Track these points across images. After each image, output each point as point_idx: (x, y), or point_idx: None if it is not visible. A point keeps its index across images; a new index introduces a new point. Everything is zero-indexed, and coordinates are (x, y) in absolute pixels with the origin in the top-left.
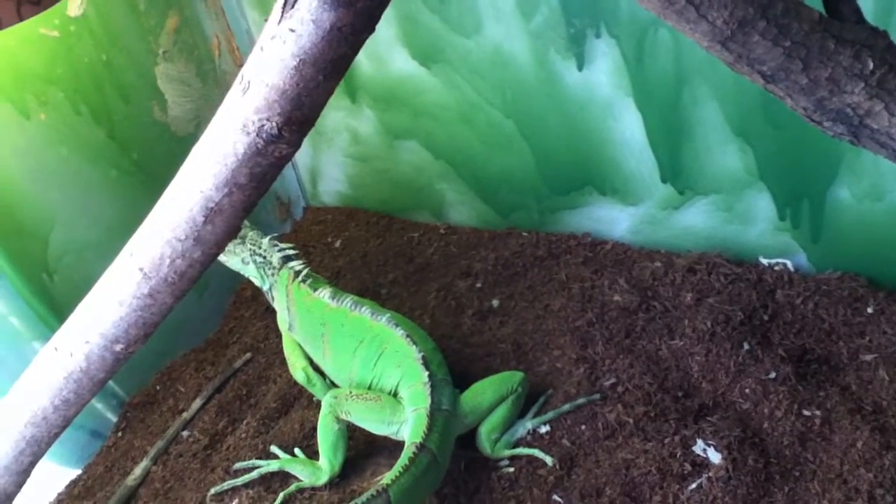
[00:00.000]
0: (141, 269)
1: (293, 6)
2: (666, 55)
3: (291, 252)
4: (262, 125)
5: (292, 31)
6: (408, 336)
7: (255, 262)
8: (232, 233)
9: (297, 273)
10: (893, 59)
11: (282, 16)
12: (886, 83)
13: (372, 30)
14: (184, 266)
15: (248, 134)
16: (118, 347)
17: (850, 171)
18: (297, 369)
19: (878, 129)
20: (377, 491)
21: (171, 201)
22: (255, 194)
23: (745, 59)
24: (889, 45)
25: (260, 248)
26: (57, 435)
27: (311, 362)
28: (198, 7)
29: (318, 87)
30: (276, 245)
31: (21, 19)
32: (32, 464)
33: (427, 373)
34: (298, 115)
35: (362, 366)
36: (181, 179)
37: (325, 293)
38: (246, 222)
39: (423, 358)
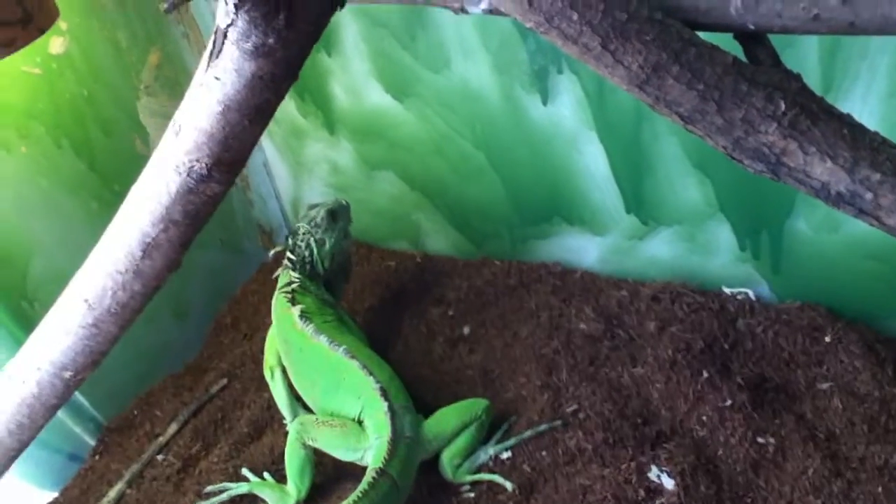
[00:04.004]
0: (86, 301)
1: (218, 56)
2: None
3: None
4: (192, 166)
5: (217, 79)
6: (364, 367)
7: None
8: (171, 266)
9: (289, 284)
10: (805, 100)
11: (208, 64)
12: (798, 124)
13: (294, 77)
14: (125, 298)
15: (180, 174)
16: (67, 374)
17: (805, 202)
18: (266, 367)
19: (794, 168)
20: None
21: (113, 236)
22: (190, 230)
23: (662, 102)
24: (802, 88)
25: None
26: (14, 458)
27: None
28: (179, 42)
29: (243, 131)
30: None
31: None
32: None
33: (387, 403)
34: (227, 156)
35: (324, 396)
36: (121, 216)
37: (296, 311)
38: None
39: (381, 388)
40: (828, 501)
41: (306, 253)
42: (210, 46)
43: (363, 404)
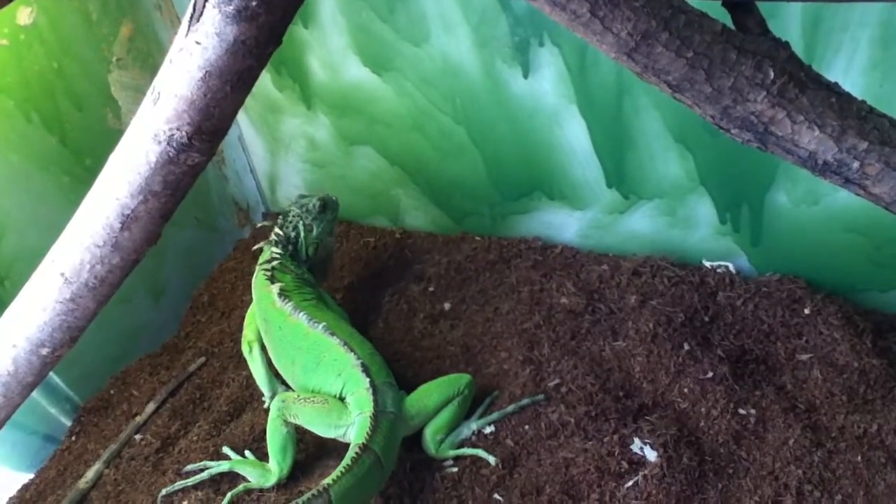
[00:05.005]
0: (62, 275)
1: (199, 20)
2: (607, 65)
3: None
4: (173, 134)
5: (198, 43)
6: (345, 344)
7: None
8: (150, 239)
9: (269, 261)
10: (794, 69)
11: (189, 29)
12: (787, 92)
13: (277, 43)
14: (103, 272)
15: (160, 143)
16: (44, 351)
17: (786, 176)
18: (245, 342)
19: (782, 137)
20: (318, 491)
21: (90, 208)
22: (170, 201)
23: (651, 70)
24: (790, 56)
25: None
26: None
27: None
28: (152, 15)
29: (225, 98)
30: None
31: None
32: None
33: (368, 379)
34: (208, 125)
35: (304, 373)
36: (98, 187)
37: (275, 289)
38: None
39: (363, 365)
40: (809, 471)
41: (293, 234)
42: (190, 10)
43: (344, 381)
